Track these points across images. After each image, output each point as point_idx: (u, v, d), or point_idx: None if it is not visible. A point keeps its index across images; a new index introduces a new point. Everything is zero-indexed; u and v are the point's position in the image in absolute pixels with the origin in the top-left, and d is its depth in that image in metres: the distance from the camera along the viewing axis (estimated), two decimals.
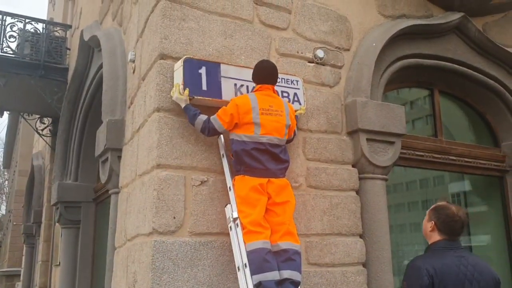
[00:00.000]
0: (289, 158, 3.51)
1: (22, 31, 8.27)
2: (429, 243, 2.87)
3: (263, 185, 3.27)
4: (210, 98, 3.53)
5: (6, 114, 12.65)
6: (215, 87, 3.56)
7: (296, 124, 3.74)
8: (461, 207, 2.89)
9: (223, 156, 3.52)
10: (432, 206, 2.89)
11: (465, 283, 2.59)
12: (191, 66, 3.48)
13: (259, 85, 3.51)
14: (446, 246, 2.71)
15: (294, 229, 3.32)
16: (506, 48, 5.49)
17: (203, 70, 3.53)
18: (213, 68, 3.59)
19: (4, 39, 8.08)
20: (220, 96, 3.56)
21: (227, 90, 3.59)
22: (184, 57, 3.49)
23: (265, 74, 3.52)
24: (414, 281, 2.63)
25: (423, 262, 2.70)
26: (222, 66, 3.63)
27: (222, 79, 3.60)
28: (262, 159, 3.29)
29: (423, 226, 2.92)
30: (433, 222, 2.79)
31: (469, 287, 2.60)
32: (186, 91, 3.39)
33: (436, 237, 2.78)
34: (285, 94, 3.89)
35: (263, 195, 3.26)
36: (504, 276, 5.56)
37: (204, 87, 3.51)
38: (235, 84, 3.65)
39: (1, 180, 34.77)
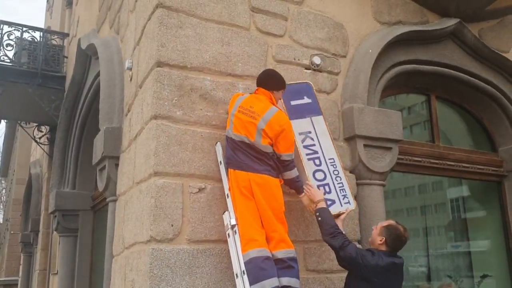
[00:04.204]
0: (274, 164, 3.33)
1: (20, 39, 8.29)
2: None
3: (248, 188, 3.24)
4: (284, 107, 3.77)
5: (3, 123, 12.67)
6: (296, 112, 3.79)
7: (288, 150, 3.41)
8: (405, 227, 3.33)
9: (220, 163, 3.51)
10: (385, 224, 3.35)
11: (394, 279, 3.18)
12: (307, 89, 3.95)
13: (256, 88, 3.62)
14: (389, 255, 3.21)
15: (285, 233, 3.28)
16: (502, 54, 5.52)
17: (307, 101, 3.88)
18: (313, 110, 3.88)
19: (1, 47, 8.10)
20: (287, 116, 3.65)
21: (297, 124, 3.72)
22: (308, 82, 4.02)
23: (260, 77, 3.63)
24: (366, 257, 3.15)
25: (366, 252, 3.23)
26: (320, 117, 3.87)
27: (307, 118, 3.81)
28: (238, 153, 3.32)
29: (372, 236, 3.38)
30: (384, 238, 3.25)
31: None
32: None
33: (382, 249, 3.24)
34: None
35: (250, 200, 3.23)
36: (503, 281, 5.55)
37: (292, 103, 3.85)
38: (300, 134, 3.74)
39: None
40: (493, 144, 5.88)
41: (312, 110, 3.88)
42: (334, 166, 3.73)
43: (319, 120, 3.85)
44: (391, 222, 3.36)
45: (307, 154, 3.69)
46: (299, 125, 3.75)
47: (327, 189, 3.61)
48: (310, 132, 3.77)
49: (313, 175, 3.65)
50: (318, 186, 3.57)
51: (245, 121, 3.33)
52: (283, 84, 3.66)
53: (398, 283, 3.24)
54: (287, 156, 3.38)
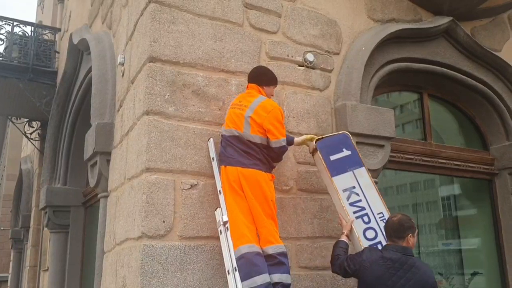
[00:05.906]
0: (264, 158, 3.34)
1: (10, 34, 8.21)
2: None
3: (238, 182, 3.24)
4: (324, 164, 3.63)
5: None
6: (337, 167, 3.64)
7: (276, 131, 3.36)
8: (401, 215, 3.22)
9: (213, 159, 3.50)
10: None
11: (389, 278, 3.02)
12: (345, 140, 3.76)
13: (247, 85, 3.66)
14: (383, 249, 3.18)
15: (274, 228, 3.26)
16: (494, 52, 5.54)
17: (347, 153, 3.70)
18: (354, 162, 3.69)
19: None
20: (329, 173, 3.62)
21: (340, 180, 3.61)
22: (345, 132, 3.86)
23: (251, 74, 3.67)
24: (354, 257, 3.21)
25: (364, 251, 3.23)
26: (362, 169, 3.69)
27: (349, 172, 3.65)
28: (228, 149, 3.35)
29: None
30: None
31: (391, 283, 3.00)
32: (314, 144, 3.71)
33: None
34: None
35: (240, 196, 3.23)
36: (493, 278, 5.59)
37: (332, 158, 3.68)
38: (344, 190, 3.58)
39: None
40: (484, 142, 5.91)
41: (353, 162, 3.70)
42: (384, 221, 3.49)
43: (362, 172, 3.68)
44: None
45: (354, 212, 3.52)
46: (342, 181, 3.60)
47: (380, 248, 3.41)
48: (354, 187, 3.60)
49: (364, 235, 3.49)
50: (370, 246, 3.40)
51: (233, 115, 3.39)
52: (275, 79, 3.70)
53: (398, 280, 3.01)
54: (284, 141, 3.38)
